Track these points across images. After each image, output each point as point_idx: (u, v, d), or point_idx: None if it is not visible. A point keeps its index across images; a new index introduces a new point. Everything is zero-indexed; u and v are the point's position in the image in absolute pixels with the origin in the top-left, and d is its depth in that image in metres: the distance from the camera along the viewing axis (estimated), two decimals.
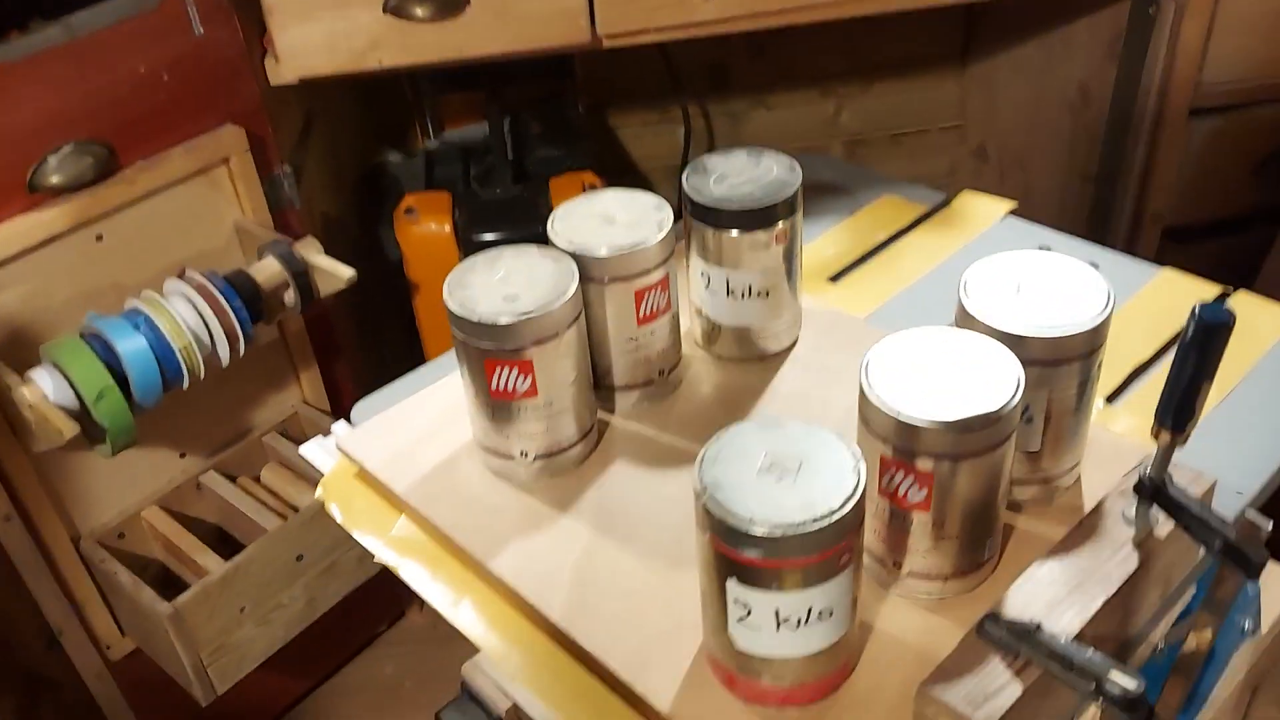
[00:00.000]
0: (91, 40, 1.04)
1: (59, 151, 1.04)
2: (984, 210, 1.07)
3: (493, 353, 0.72)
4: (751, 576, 0.56)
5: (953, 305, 0.93)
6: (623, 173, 2.10)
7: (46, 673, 1.29)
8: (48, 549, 1.16)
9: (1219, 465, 0.72)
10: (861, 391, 0.61)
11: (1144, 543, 0.62)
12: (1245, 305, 0.91)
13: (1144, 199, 1.48)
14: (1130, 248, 1.58)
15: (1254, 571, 0.56)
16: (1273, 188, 1.55)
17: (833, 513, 0.54)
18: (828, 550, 0.55)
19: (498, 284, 0.74)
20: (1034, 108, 1.80)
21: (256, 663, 1.22)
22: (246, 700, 1.45)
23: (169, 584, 1.24)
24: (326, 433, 0.90)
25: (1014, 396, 0.59)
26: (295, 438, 1.36)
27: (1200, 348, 0.55)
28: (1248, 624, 0.91)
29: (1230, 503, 0.71)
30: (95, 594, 1.22)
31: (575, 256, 0.76)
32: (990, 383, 0.60)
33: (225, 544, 1.31)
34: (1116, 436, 0.76)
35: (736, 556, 0.55)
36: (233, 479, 1.31)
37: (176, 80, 1.10)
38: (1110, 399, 0.84)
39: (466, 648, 1.78)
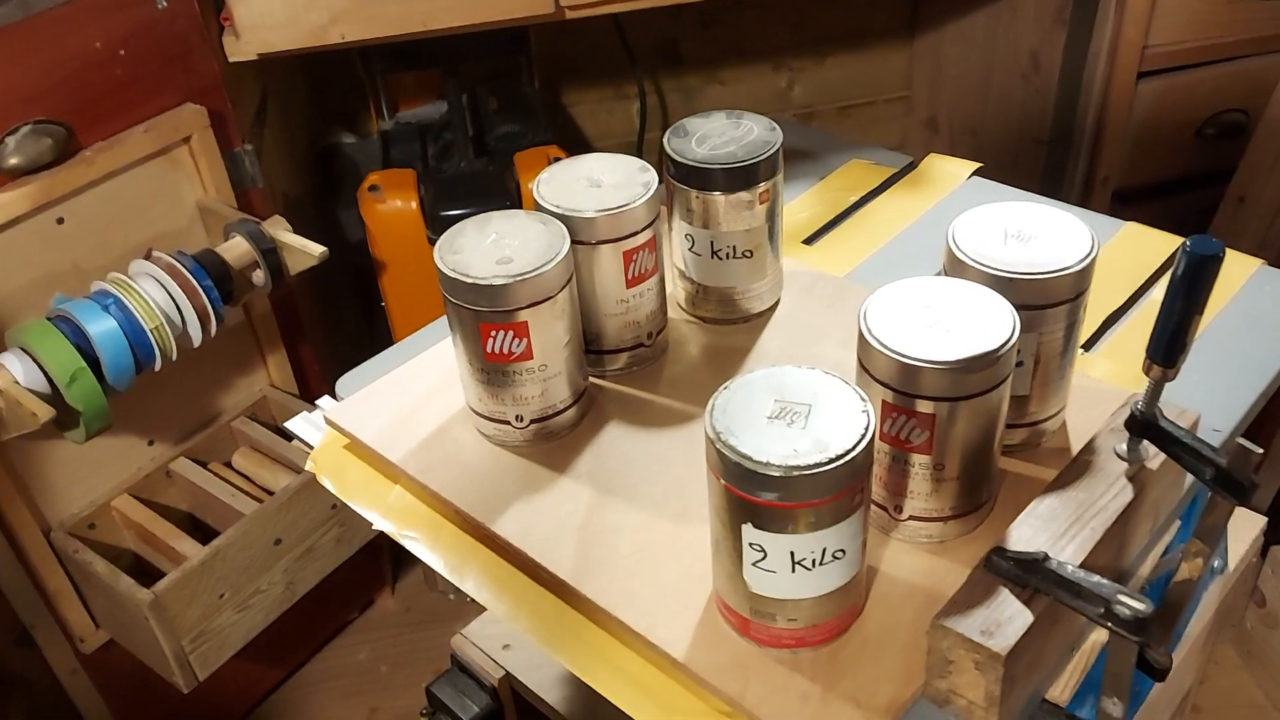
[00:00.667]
0: (47, 16, 1.01)
1: (16, 132, 1.01)
2: (950, 172, 1.09)
3: (487, 316, 0.72)
4: (767, 520, 0.57)
5: (929, 262, 0.96)
6: (579, 149, 2.10)
7: (16, 670, 1.26)
8: (18, 542, 1.14)
9: (1195, 405, 0.74)
10: (861, 338, 0.63)
11: (1137, 475, 0.64)
12: None
13: (1095, 162, 1.52)
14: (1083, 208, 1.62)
15: (1245, 496, 0.58)
16: (1214, 149, 1.59)
17: (847, 453, 0.55)
18: (841, 490, 0.56)
19: (489, 247, 0.74)
20: (984, 76, 1.84)
21: (237, 648, 1.21)
22: (222, 692, 1.44)
23: (143, 573, 1.22)
24: (297, 415, 0.90)
25: (1011, 335, 0.61)
26: (265, 422, 1.34)
27: (1191, 281, 0.57)
28: (1217, 562, 0.95)
29: (1209, 440, 0.74)
30: (68, 586, 1.20)
31: (563, 219, 0.76)
32: (986, 325, 0.62)
33: (198, 531, 1.29)
34: (1096, 381, 0.79)
35: (753, 500, 0.56)
36: (203, 465, 1.29)
37: (134, 57, 1.08)
38: (1086, 347, 0.86)
39: (440, 631, 1.79)
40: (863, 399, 0.58)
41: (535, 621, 0.69)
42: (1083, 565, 0.60)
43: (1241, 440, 0.57)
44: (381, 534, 0.79)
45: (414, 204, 1.32)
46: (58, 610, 1.21)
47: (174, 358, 1.05)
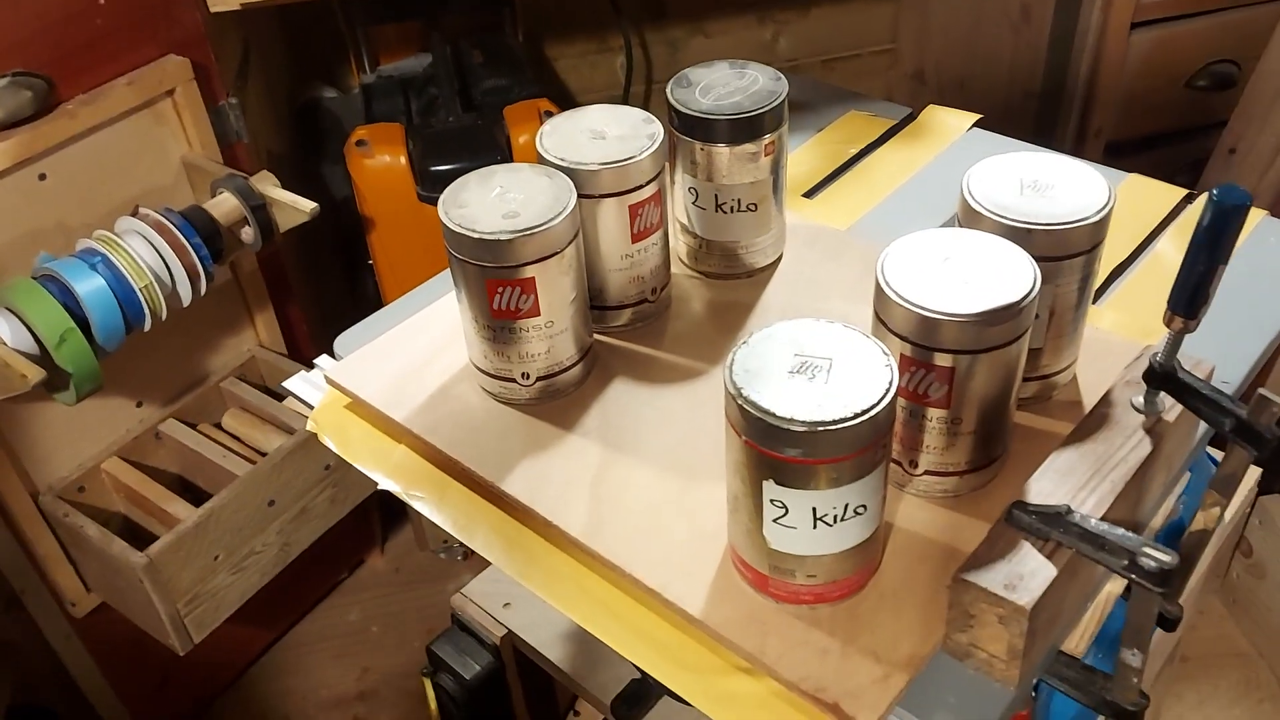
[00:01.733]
0: None
1: None
2: (950, 123, 1.08)
3: (494, 271, 0.70)
4: (789, 476, 0.56)
5: (932, 215, 0.95)
6: (562, 104, 2.06)
7: (5, 636, 1.25)
8: (5, 506, 1.12)
9: (1204, 356, 0.74)
10: (879, 290, 0.62)
11: (1154, 428, 0.64)
12: None
13: (1088, 114, 1.51)
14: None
15: (1265, 448, 0.58)
16: (1203, 101, 1.59)
17: (871, 408, 0.54)
18: (865, 446, 0.55)
19: (495, 201, 0.72)
20: (972, 28, 1.82)
21: (232, 610, 1.20)
22: (214, 654, 1.43)
23: (133, 535, 1.20)
24: (288, 375, 0.88)
25: (1033, 288, 0.60)
26: (254, 381, 1.32)
27: (1217, 231, 0.56)
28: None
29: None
30: (57, 550, 1.18)
31: (568, 172, 0.75)
32: (1005, 277, 0.61)
33: (188, 493, 1.27)
34: (1105, 333, 0.78)
35: (775, 456, 0.56)
36: (192, 426, 1.27)
37: (115, 6, 1.05)
38: (1093, 299, 0.85)
39: (431, 590, 1.79)
40: (884, 353, 0.57)
41: (547, 580, 0.69)
42: (1103, 518, 0.60)
43: (1264, 391, 0.57)
44: (371, 493, 0.78)
45: (403, 159, 1.30)
46: (47, 574, 1.20)
47: (164, 317, 1.03)
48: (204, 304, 1.25)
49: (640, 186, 0.77)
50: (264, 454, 1.23)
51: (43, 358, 0.95)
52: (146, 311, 1.00)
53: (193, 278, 1.03)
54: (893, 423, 0.58)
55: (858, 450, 0.55)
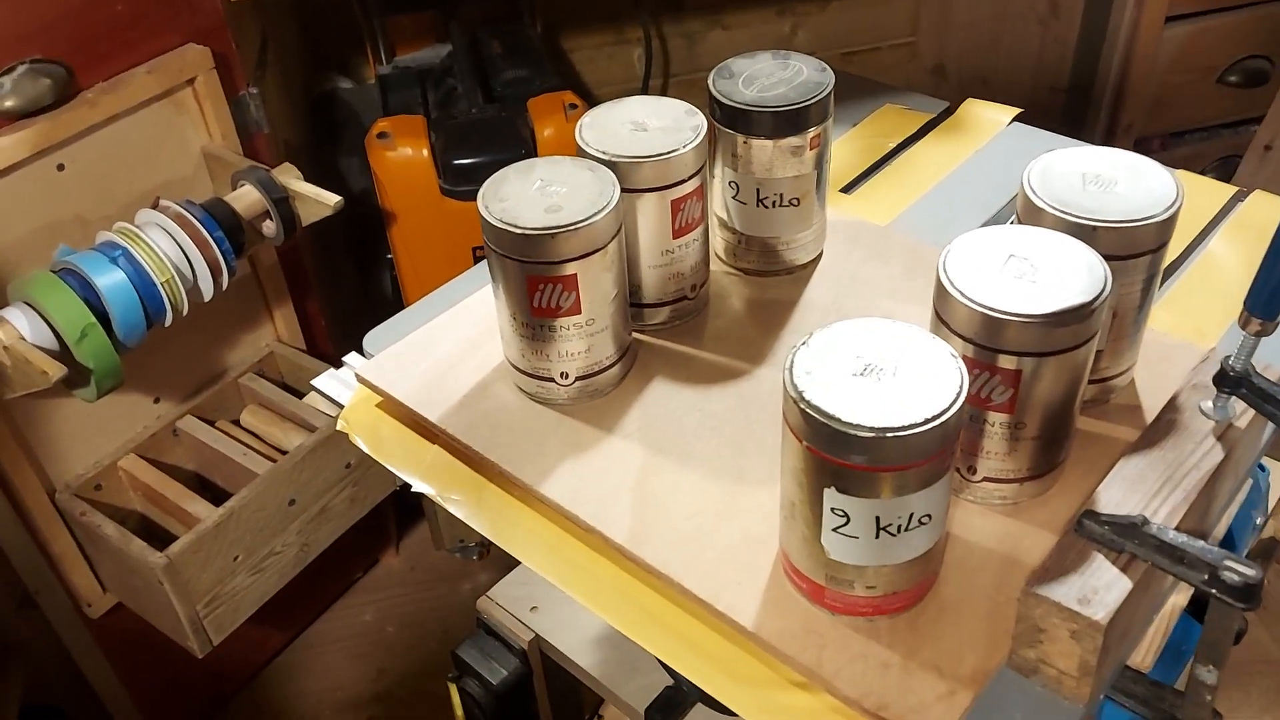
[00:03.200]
0: None
1: (12, 72, 0.96)
2: (989, 118, 1.05)
3: (535, 267, 0.68)
4: (853, 483, 0.54)
5: (974, 210, 0.93)
6: (579, 97, 2.04)
7: (17, 637, 1.23)
8: (21, 503, 1.09)
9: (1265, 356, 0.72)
10: (940, 288, 0.59)
11: (1226, 434, 0.61)
12: (1264, 204, 0.91)
13: (1118, 109, 1.49)
14: None
15: None
16: (1235, 96, 1.57)
17: (941, 414, 0.52)
18: (934, 454, 0.53)
19: (536, 195, 0.70)
20: (996, 23, 1.79)
21: (251, 611, 1.18)
22: (229, 655, 1.41)
23: (150, 535, 1.18)
24: (306, 371, 0.86)
25: (1105, 288, 0.58)
26: (272, 378, 1.30)
27: None
28: (1260, 519, 0.93)
29: None
30: (74, 549, 1.16)
31: (609, 165, 0.72)
32: (1073, 276, 0.58)
33: (205, 491, 1.25)
34: (1161, 334, 0.76)
35: (839, 463, 0.53)
36: (210, 423, 1.25)
37: None
38: None
39: (447, 590, 1.76)
40: (953, 355, 0.55)
41: (592, 587, 0.67)
42: (1175, 528, 0.58)
43: None
44: (389, 493, 0.76)
45: (425, 152, 1.27)
46: (63, 573, 1.17)
47: (185, 312, 1.00)
48: (223, 299, 1.23)
49: (683, 181, 0.74)
50: (283, 452, 1.20)
51: (62, 353, 0.92)
52: (168, 306, 0.98)
53: (214, 272, 1.01)
54: (961, 428, 0.55)
55: (926, 458, 0.53)
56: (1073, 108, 1.59)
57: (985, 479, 0.64)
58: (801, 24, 2.09)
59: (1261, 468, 1.04)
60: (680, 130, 0.75)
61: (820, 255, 0.87)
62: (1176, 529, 0.57)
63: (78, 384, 0.96)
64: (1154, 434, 0.62)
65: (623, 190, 0.73)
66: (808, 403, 0.53)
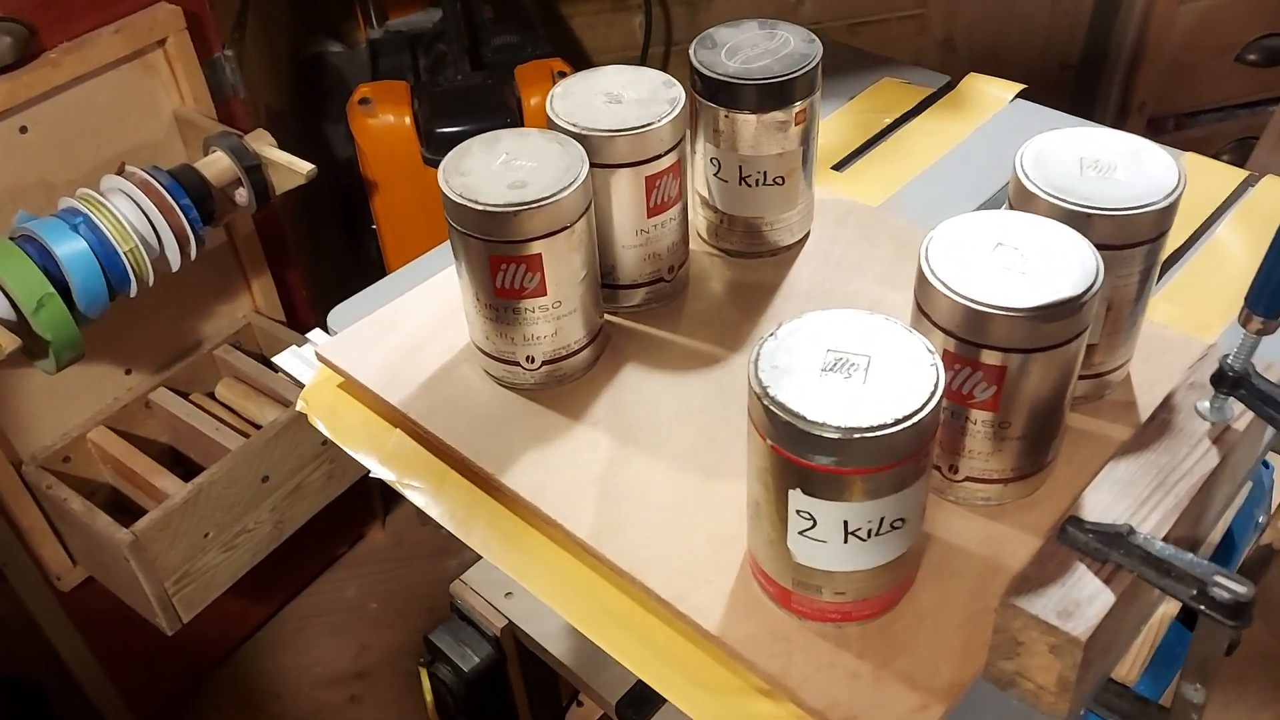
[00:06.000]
0: None
1: None
2: (992, 94, 1.01)
3: (498, 247, 0.64)
4: (819, 486, 0.50)
5: (971, 192, 0.89)
6: (576, 64, 1.99)
7: None
8: None
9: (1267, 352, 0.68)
10: (922, 279, 0.56)
11: (1222, 437, 0.58)
12: (1275, 191, 0.87)
13: (1131, 87, 1.44)
14: None
15: None
16: (1253, 76, 1.51)
17: (914, 414, 0.49)
18: (906, 456, 0.50)
19: (500, 169, 0.66)
20: None
21: (223, 589, 1.15)
22: (206, 628, 1.38)
23: (120, 509, 1.16)
24: (284, 344, 0.83)
25: (1096, 280, 0.54)
26: (249, 350, 1.27)
27: None
28: (1262, 517, 0.89)
29: None
30: (42, 522, 1.13)
31: (580, 138, 0.68)
32: (1063, 267, 0.55)
33: (179, 465, 1.23)
34: (1160, 327, 0.72)
35: (804, 464, 0.50)
36: (184, 395, 1.22)
37: None
38: None
39: (432, 566, 1.74)
40: (930, 350, 0.51)
41: (551, 584, 0.64)
42: (1166, 536, 0.54)
43: None
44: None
45: (408, 119, 1.23)
46: (31, 547, 1.15)
47: (150, 283, 0.97)
48: (197, 268, 1.19)
49: (658, 156, 0.70)
50: (258, 426, 1.17)
51: (20, 324, 0.89)
52: (132, 277, 0.94)
53: (181, 242, 0.97)
54: (937, 429, 0.52)
55: (898, 460, 0.50)
56: (1084, 84, 1.54)
57: (968, 479, 0.61)
58: None
59: (1265, 464, 1.00)
60: (657, 103, 0.71)
61: (807, 236, 0.83)
62: (1166, 537, 0.54)
63: (38, 355, 0.93)
64: (1146, 435, 0.59)
65: (595, 165, 0.69)
66: (772, 399, 0.50)
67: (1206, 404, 0.59)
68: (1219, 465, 0.57)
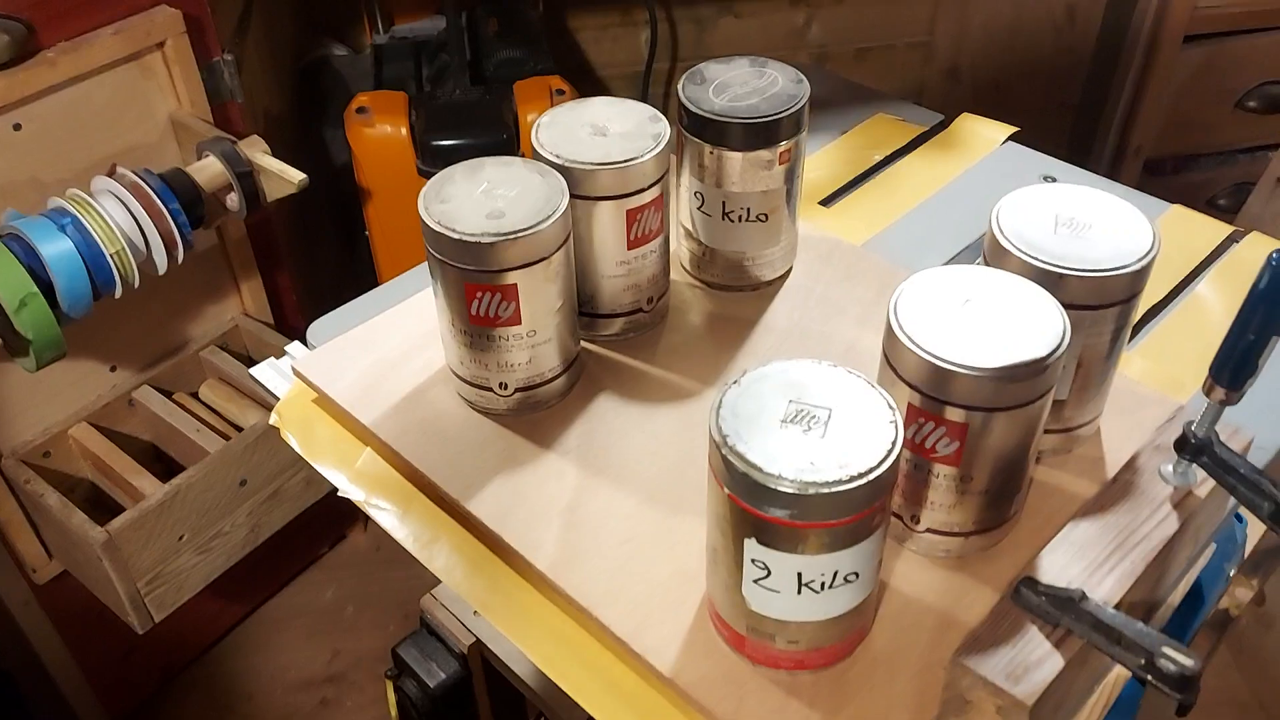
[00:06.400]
0: None
1: None
2: (984, 135, 1.01)
3: (473, 275, 0.65)
4: (774, 537, 0.51)
5: (956, 234, 0.89)
6: (581, 79, 1.99)
7: None
8: None
9: (1246, 418, 0.68)
10: (890, 332, 0.56)
11: (1183, 502, 0.58)
12: (1260, 248, 0.87)
13: (1129, 130, 1.44)
14: (1111, 180, 1.55)
15: None
16: (1252, 123, 1.52)
17: (869, 470, 0.49)
18: (861, 511, 0.50)
19: (480, 198, 0.66)
20: (1013, 27, 1.74)
21: (195, 591, 1.15)
22: (181, 626, 1.39)
23: (100, 505, 1.16)
24: (272, 348, 0.83)
25: (1062, 342, 0.54)
26: (236, 352, 1.27)
27: (1274, 299, 0.50)
28: (1232, 571, 0.89)
29: (1258, 460, 0.68)
30: (19, 515, 1.13)
31: (563, 170, 0.69)
32: (1031, 328, 0.55)
33: (160, 463, 1.23)
34: (1134, 383, 0.72)
35: (759, 515, 0.50)
36: (168, 395, 1.22)
37: None
38: None
39: (411, 573, 1.73)
40: (891, 407, 0.52)
41: (510, 614, 0.64)
42: (1122, 600, 0.54)
43: None
44: None
45: (404, 130, 1.23)
46: (9, 539, 1.15)
47: (136, 285, 0.97)
48: (187, 269, 1.19)
49: (641, 190, 0.71)
50: (239, 429, 1.17)
51: (3, 321, 0.89)
52: (117, 279, 0.94)
53: (169, 245, 0.97)
54: (893, 486, 0.52)
55: (852, 515, 0.50)
56: (1083, 123, 1.54)
57: (929, 530, 0.61)
58: (815, 16, 2.04)
59: (1239, 518, 1.01)
60: (641, 137, 0.71)
61: (790, 272, 0.83)
62: (1122, 602, 0.54)
63: (19, 353, 0.93)
64: (1108, 496, 0.59)
65: (577, 197, 0.69)
66: (730, 448, 0.50)
67: (1170, 467, 0.59)
68: (1179, 530, 0.57)
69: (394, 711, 1.00)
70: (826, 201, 0.94)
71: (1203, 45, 1.39)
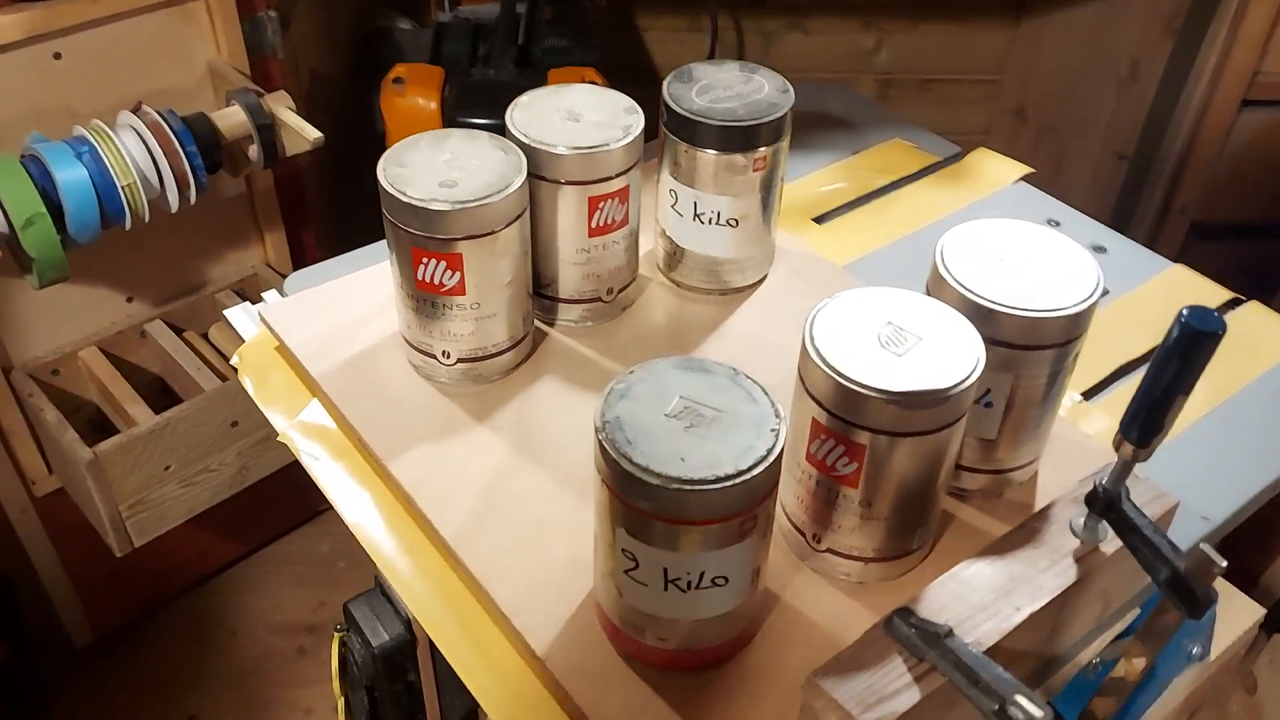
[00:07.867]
0: None
1: None
2: (997, 171, 0.99)
3: (421, 240, 0.66)
4: (641, 529, 0.51)
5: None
6: (637, 75, 2.00)
7: None
8: None
9: (1189, 484, 0.66)
10: (803, 346, 0.55)
11: (1086, 557, 0.56)
12: (1254, 317, 0.84)
13: (1175, 188, 1.40)
14: (1153, 237, 1.50)
15: (1196, 612, 0.51)
16: None
17: (739, 474, 0.48)
18: (729, 515, 0.50)
19: (440, 167, 0.67)
20: (1079, 75, 1.71)
21: (177, 522, 1.18)
22: (173, 556, 1.43)
23: (101, 428, 1.20)
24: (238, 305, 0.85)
25: (968, 377, 0.53)
26: (251, 298, 1.30)
27: (1182, 356, 0.48)
28: (1196, 649, 0.86)
29: (1193, 529, 0.66)
30: (23, 426, 1.18)
31: (529, 150, 0.69)
32: (946, 358, 0.54)
33: (166, 396, 1.26)
34: (1083, 436, 0.70)
35: (628, 505, 0.50)
36: (179, 332, 1.25)
37: None
38: (1087, 395, 0.77)
39: None
40: (777, 415, 0.51)
41: (409, 576, 0.64)
42: (1000, 646, 0.53)
43: (1204, 547, 0.49)
44: None
45: (434, 104, 1.25)
46: (11, 449, 1.20)
47: (146, 219, 1.00)
48: (212, 212, 1.23)
49: (606, 179, 0.71)
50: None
51: (10, 237, 0.93)
52: (127, 210, 0.98)
53: (181, 185, 1.00)
54: (770, 494, 0.51)
55: (719, 517, 0.50)
56: (1134, 177, 1.50)
57: (830, 550, 0.60)
58: (886, 41, 2.02)
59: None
60: (613, 126, 0.71)
61: (762, 281, 0.83)
62: (1005, 646, 0.53)
63: (26, 269, 0.97)
64: (1012, 540, 0.58)
65: (541, 178, 0.70)
66: (606, 434, 0.50)
67: (1081, 521, 0.58)
68: (1077, 584, 0.56)
69: (334, 665, 1.01)
70: (821, 219, 0.94)
71: (1262, 111, 1.34)
